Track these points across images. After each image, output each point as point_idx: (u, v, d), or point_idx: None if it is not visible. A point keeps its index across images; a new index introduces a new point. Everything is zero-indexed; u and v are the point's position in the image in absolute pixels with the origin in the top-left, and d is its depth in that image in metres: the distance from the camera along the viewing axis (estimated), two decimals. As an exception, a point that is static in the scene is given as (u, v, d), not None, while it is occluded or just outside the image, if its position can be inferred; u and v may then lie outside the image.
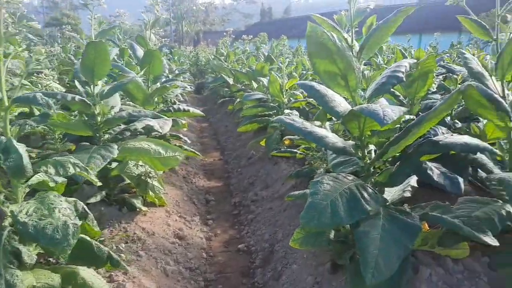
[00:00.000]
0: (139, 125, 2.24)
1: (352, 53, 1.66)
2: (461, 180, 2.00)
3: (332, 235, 1.64)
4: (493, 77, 1.62)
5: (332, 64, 1.51)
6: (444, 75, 3.44)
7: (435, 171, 2.07)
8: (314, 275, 1.69)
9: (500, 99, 1.50)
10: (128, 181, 2.18)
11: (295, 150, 2.50)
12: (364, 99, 1.58)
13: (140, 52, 3.27)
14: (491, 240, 1.38)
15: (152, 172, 2.18)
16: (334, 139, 1.60)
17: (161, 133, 2.52)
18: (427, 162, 2.10)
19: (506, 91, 1.64)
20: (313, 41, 1.52)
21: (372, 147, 1.71)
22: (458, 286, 1.48)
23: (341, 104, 1.59)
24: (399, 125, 1.67)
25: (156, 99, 3.20)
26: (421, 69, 2.45)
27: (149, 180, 2.16)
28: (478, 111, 1.58)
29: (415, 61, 1.68)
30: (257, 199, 2.81)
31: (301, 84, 1.69)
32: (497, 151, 1.61)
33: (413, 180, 1.85)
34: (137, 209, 2.11)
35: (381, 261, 1.28)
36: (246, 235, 2.43)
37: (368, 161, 1.61)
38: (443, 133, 2.24)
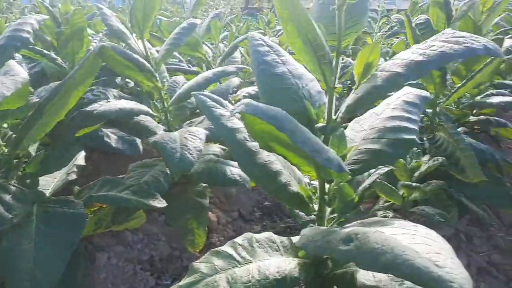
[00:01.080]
0: None
1: None
2: (139, 141, 1.97)
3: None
4: (134, 35, 1.55)
5: None
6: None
7: (112, 137, 1.93)
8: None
9: (142, 60, 1.45)
10: None
11: None
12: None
13: None
14: (159, 202, 1.37)
15: None
16: None
17: None
18: (103, 129, 1.93)
19: (150, 50, 1.62)
20: None
21: (9, 131, 1.33)
22: (139, 258, 1.44)
23: None
24: (39, 99, 1.36)
25: None
26: (72, 26, 2.16)
27: None
28: (125, 73, 1.48)
29: (45, 17, 1.37)
30: None
31: None
32: (153, 112, 1.60)
33: (80, 158, 1.61)
34: None
35: (39, 274, 1.02)
36: None
37: (6, 152, 1.24)
38: (115, 96, 2.11)
